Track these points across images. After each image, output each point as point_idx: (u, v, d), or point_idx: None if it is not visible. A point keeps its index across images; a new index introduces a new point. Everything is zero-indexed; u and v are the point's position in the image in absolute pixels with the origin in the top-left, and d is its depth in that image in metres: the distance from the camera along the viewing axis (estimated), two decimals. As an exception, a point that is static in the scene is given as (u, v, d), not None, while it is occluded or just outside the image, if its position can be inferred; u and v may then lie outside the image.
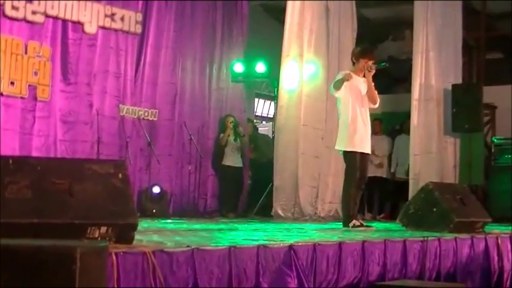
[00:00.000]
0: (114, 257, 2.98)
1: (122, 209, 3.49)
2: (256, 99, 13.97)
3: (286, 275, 3.93)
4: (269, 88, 12.75)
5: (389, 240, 4.89)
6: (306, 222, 9.04)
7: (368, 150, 7.23)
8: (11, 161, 3.34)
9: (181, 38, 10.78)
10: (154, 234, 4.86)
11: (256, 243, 4.01)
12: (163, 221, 8.13)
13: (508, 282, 5.96)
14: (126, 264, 3.05)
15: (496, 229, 6.94)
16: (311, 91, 10.42)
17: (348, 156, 7.09)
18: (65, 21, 9.35)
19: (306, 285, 4.01)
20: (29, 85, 8.94)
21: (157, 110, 10.43)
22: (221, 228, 6.50)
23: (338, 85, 6.95)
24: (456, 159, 10.80)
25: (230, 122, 10.95)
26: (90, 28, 9.61)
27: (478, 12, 12.64)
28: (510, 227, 7.32)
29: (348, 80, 6.90)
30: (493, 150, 11.49)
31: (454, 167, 10.73)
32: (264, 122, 14.64)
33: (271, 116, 13.45)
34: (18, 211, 3.18)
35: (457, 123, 10.54)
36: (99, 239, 3.33)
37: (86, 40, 9.57)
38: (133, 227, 3.51)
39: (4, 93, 8.64)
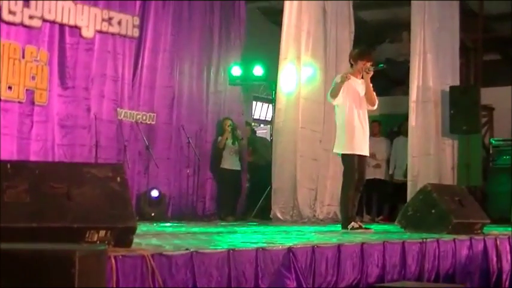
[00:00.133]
0: (113, 261, 2.97)
1: (120, 212, 3.49)
2: (254, 102, 13.99)
3: (285, 277, 3.93)
4: (267, 91, 12.76)
5: (388, 242, 4.89)
6: (305, 225, 9.04)
7: (366, 153, 7.23)
8: (9, 166, 3.34)
9: (178, 41, 10.78)
10: (153, 237, 4.86)
11: (255, 245, 4.01)
12: (162, 224, 8.13)
13: (507, 283, 5.96)
14: (125, 267, 3.05)
15: (495, 230, 6.94)
16: (309, 93, 10.43)
17: (347, 158, 7.09)
18: (62, 26, 9.34)
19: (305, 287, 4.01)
20: (26, 89, 8.93)
21: (155, 114, 10.43)
22: (220, 231, 6.49)
23: (335, 92, 6.97)
24: (454, 161, 10.81)
25: (228, 125, 10.95)
26: (88, 32, 9.61)
27: (475, 14, 12.65)
28: (508, 228, 7.32)
29: (346, 80, 6.91)
30: (491, 151, 11.52)
31: (452, 168, 10.74)
32: (262, 125, 14.65)
33: (269, 119, 13.46)
34: (16, 215, 3.18)
35: (455, 125, 10.55)
36: (98, 242, 3.33)
37: (83, 44, 9.57)
38: (132, 231, 3.51)
39: (2, 97, 8.62)
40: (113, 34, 9.91)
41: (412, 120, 10.51)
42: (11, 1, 8.71)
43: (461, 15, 11.03)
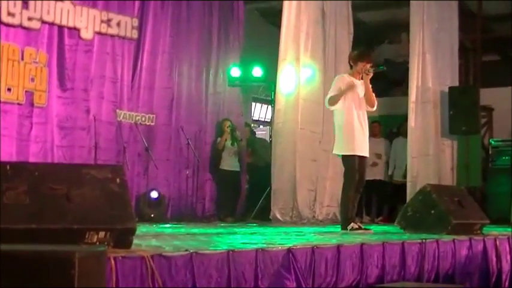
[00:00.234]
0: (112, 262, 2.97)
1: (120, 213, 3.48)
2: (253, 103, 13.99)
3: (284, 278, 3.93)
4: (266, 92, 12.76)
5: (387, 242, 4.89)
6: (304, 226, 9.04)
7: (366, 154, 7.23)
8: (8, 167, 3.34)
9: (177, 42, 10.79)
10: (153, 238, 4.86)
11: (254, 246, 4.01)
12: (161, 225, 8.13)
13: (507, 284, 5.96)
14: (124, 268, 3.05)
15: (494, 231, 6.94)
16: (308, 94, 10.44)
17: (347, 159, 7.09)
18: (61, 27, 9.34)
19: (305, 288, 4.01)
20: (25, 91, 8.93)
21: (154, 115, 10.43)
22: (219, 232, 6.49)
23: (335, 100, 7.00)
24: (453, 162, 10.81)
25: (227, 126, 10.95)
26: (87, 34, 9.61)
27: (474, 14, 12.66)
28: (508, 229, 7.32)
29: (351, 90, 6.95)
30: (490, 152, 11.52)
31: (451, 169, 10.74)
32: (261, 126, 14.66)
33: (269, 120, 13.46)
34: (16, 217, 3.18)
35: (454, 126, 10.55)
36: (97, 243, 3.32)
37: (82, 46, 9.57)
38: (132, 232, 3.51)
39: (1, 99, 8.62)
40: (111, 36, 9.92)
41: (412, 121, 10.51)
42: (10, 2, 8.71)
43: (460, 15, 11.04)
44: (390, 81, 13.33)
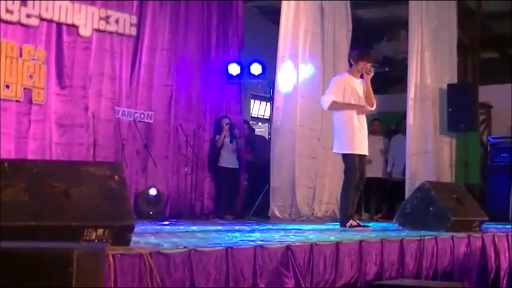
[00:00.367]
0: (111, 259, 2.97)
1: (118, 210, 3.49)
2: (252, 101, 13.97)
3: (283, 275, 3.93)
4: (265, 89, 12.75)
5: (386, 239, 4.90)
6: (303, 223, 9.04)
7: (366, 152, 7.25)
8: (7, 165, 3.34)
9: (176, 40, 10.78)
10: (151, 236, 4.86)
11: (253, 244, 4.01)
12: (160, 222, 8.12)
13: (505, 281, 5.97)
14: (123, 265, 3.05)
15: (493, 228, 6.96)
16: (307, 92, 10.43)
17: (348, 158, 7.10)
18: (59, 24, 9.33)
19: (303, 286, 4.01)
20: (24, 88, 8.92)
21: (153, 112, 10.42)
22: (218, 229, 6.50)
23: (338, 108, 7.03)
24: (452, 159, 10.82)
25: (226, 124, 10.94)
26: (85, 31, 9.60)
27: (473, 12, 12.66)
28: (506, 226, 7.33)
29: (357, 108, 7.00)
30: (489, 149, 11.51)
31: (450, 166, 10.75)
32: (260, 123, 14.64)
33: (267, 117, 13.45)
34: (15, 214, 3.18)
35: (453, 123, 10.55)
36: (96, 241, 3.33)
37: (80, 43, 9.56)
38: (130, 229, 3.51)
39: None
40: (110, 33, 9.90)
41: (410, 118, 10.51)
42: (8, 0, 8.70)
43: (458, 13, 11.04)
44: (389, 79, 13.32)
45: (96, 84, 9.70)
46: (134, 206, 9.26)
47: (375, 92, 7.27)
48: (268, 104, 12.92)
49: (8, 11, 8.71)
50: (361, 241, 4.63)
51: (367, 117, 7.37)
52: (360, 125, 7.11)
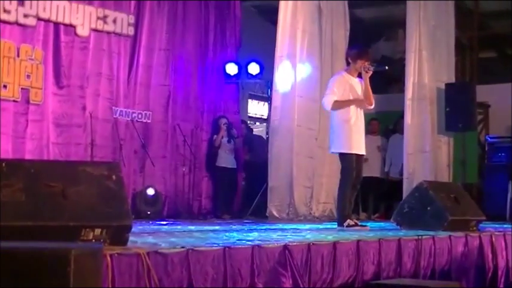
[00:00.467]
0: (108, 259, 2.97)
1: (116, 210, 3.49)
2: (250, 100, 13.97)
3: (281, 275, 3.93)
4: (262, 89, 12.75)
5: (384, 239, 4.90)
6: (301, 223, 9.04)
7: (363, 152, 7.25)
8: (4, 164, 3.33)
9: (174, 39, 10.77)
10: (149, 235, 4.85)
11: (251, 243, 4.01)
12: (157, 222, 8.12)
13: (503, 280, 5.98)
14: (120, 265, 3.05)
15: (490, 227, 6.96)
16: (304, 92, 10.43)
17: (345, 157, 7.10)
18: (57, 24, 9.32)
19: (301, 285, 4.02)
20: (21, 88, 8.91)
21: (150, 112, 10.42)
22: (216, 229, 6.49)
23: (341, 107, 7.04)
24: (450, 158, 10.82)
25: (224, 124, 10.94)
26: (83, 31, 9.59)
27: (470, 11, 12.67)
28: (504, 225, 7.34)
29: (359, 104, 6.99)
30: (486, 148, 11.52)
31: (447, 165, 10.75)
32: (257, 123, 14.64)
33: (265, 117, 13.45)
34: (12, 214, 3.18)
35: (451, 122, 10.56)
36: (93, 240, 3.33)
37: (78, 43, 9.55)
38: (128, 229, 3.51)
39: (-3, 96, 8.62)
40: (108, 32, 9.90)
41: (408, 118, 10.51)
42: (5, 0, 8.69)
43: (456, 12, 11.04)
44: (387, 78, 13.33)
45: (93, 84, 9.70)
46: (132, 205, 9.26)
47: (373, 91, 7.27)
48: (266, 103, 12.92)
49: (5, 10, 8.71)
50: (358, 241, 4.63)
51: (365, 116, 7.38)
52: (357, 124, 7.11)
